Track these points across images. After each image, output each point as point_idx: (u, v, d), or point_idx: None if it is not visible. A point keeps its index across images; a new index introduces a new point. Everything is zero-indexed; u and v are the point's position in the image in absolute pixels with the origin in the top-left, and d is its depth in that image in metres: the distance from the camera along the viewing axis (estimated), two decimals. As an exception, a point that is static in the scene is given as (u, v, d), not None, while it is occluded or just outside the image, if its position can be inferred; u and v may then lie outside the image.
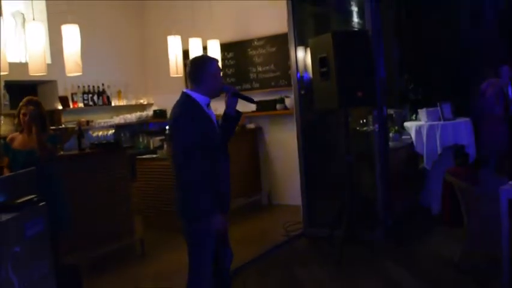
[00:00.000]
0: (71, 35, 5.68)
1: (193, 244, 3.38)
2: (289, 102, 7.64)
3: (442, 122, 6.51)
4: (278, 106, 7.83)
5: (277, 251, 5.83)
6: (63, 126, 7.39)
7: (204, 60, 3.50)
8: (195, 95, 3.34)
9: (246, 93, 7.65)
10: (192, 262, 3.40)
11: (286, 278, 5.07)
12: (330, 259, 5.40)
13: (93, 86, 8.18)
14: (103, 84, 8.32)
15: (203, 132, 3.26)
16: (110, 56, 8.61)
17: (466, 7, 7.58)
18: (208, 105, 3.39)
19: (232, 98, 3.48)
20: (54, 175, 4.55)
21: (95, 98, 8.19)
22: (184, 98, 3.38)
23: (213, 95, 3.41)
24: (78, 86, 8.00)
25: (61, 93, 7.82)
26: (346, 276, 4.95)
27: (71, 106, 7.88)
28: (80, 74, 5.83)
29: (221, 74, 3.52)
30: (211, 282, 3.44)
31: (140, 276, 5.31)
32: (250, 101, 3.66)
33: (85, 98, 8.08)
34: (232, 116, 3.51)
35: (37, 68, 5.36)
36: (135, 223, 6.25)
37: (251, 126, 8.06)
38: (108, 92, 8.42)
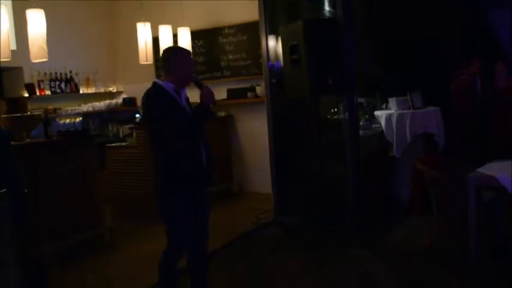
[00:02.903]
0: (36, 20, 5.56)
1: (165, 220, 3.70)
2: (260, 90, 7.61)
3: (411, 111, 6.55)
4: (249, 94, 7.80)
5: (247, 239, 5.82)
6: (29, 113, 7.23)
7: (172, 50, 3.81)
8: (163, 83, 3.65)
9: (217, 81, 7.61)
10: (168, 238, 3.74)
11: (255, 266, 5.07)
12: (300, 247, 5.42)
13: (61, 73, 8.03)
14: (71, 72, 8.18)
15: (169, 115, 3.52)
16: (78, 42, 8.45)
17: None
18: (177, 91, 3.67)
19: (201, 88, 3.69)
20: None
21: (63, 85, 8.04)
22: (152, 87, 3.68)
23: (181, 83, 3.69)
24: (45, 73, 7.84)
25: (27, 80, 7.65)
26: (316, 264, 4.96)
27: (38, 93, 7.72)
28: (46, 60, 5.72)
29: (190, 64, 3.75)
30: (182, 255, 3.78)
31: (109, 266, 5.25)
32: (198, 85, 3.75)
33: (52, 85, 7.93)
34: (200, 105, 3.67)
35: (0, 54, 5.21)
36: (104, 212, 6.16)
37: (222, 114, 8.01)
38: (76, 80, 8.28)
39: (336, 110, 6.23)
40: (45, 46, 5.53)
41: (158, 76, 8.67)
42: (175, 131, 3.53)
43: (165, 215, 3.69)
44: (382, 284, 4.48)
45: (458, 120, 6.79)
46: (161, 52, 3.81)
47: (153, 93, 3.64)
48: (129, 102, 8.77)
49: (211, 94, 3.67)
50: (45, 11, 5.71)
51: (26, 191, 4.11)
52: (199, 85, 3.72)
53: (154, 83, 3.69)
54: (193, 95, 3.95)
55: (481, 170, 4.52)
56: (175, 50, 3.87)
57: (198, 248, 3.89)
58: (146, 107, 3.69)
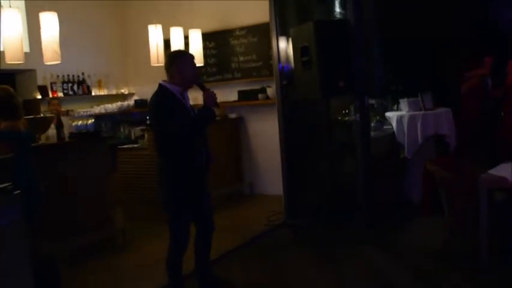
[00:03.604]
0: (49, 23, 5.61)
1: (169, 214, 3.94)
2: (270, 92, 7.62)
3: (422, 112, 6.54)
4: (260, 96, 7.82)
5: (259, 240, 5.83)
6: (41, 115, 7.28)
7: (176, 55, 4.07)
8: (167, 85, 3.86)
9: (228, 83, 7.66)
10: (170, 230, 3.97)
11: (268, 266, 5.08)
12: (312, 248, 5.42)
13: (73, 76, 8.10)
14: (83, 74, 8.24)
15: (175, 117, 3.74)
16: (90, 45, 8.52)
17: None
18: (182, 93, 3.88)
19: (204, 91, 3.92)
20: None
21: (75, 87, 8.11)
22: (158, 89, 3.89)
23: (185, 85, 3.90)
24: (58, 76, 7.92)
25: (40, 82, 7.72)
26: (327, 264, 4.97)
27: (50, 95, 7.78)
28: (59, 62, 5.77)
29: (194, 68, 3.96)
30: (186, 248, 4.01)
31: (120, 267, 5.27)
32: (202, 88, 3.97)
33: (65, 87, 8.00)
34: (204, 107, 3.90)
35: (14, 56, 5.27)
36: (115, 213, 6.20)
37: (232, 116, 8.04)
38: (89, 82, 8.35)
39: (347, 111, 6.23)
40: (58, 49, 5.59)
41: (169, 78, 8.76)
42: (180, 132, 3.76)
43: (167, 209, 3.94)
44: (392, 283, 4.48)
45: (469, 122, 6.76)
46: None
47: (160, 96, 3.84)
48: (141, 104, 8.81)
49: (214, 97, 3.88)
50: (57, 14, 5.76)
51: (43, 190, 4.17)
52: (202, 88, 3.93)
53: (161, 86, 3.87)
54: (197, 97, 4.00)
55: (493, 171, 4.50)
56: (179, 54, 4.11)
57: (206, 232, 4.18)
58: (153, 109, 3.86)
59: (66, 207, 5.33)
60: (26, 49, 6.49)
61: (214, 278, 4.39)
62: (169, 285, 4.12)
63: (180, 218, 3.95)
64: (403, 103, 6.75)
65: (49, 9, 5.71)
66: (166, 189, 3.94)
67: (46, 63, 5.84)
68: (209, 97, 3.87)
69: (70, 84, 8.05)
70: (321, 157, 5.88)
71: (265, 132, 7.81)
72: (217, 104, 3.95)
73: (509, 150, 6.27)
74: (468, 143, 6.63)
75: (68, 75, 8.03)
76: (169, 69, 3.89)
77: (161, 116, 3.79)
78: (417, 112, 6.54)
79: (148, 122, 7.33)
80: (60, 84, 7.94)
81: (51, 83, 7.83)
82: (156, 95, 3.86)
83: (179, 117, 3.75)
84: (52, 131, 5.53)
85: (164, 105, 3.78)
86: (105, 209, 5.93)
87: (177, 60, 3.90)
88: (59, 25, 5.76)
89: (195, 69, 3.98)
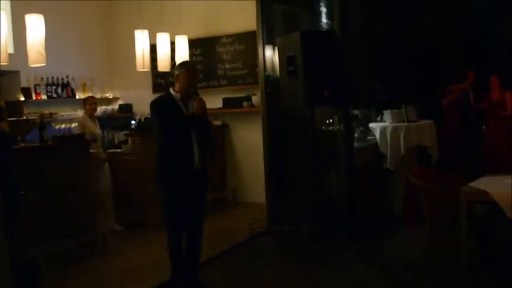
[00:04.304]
0: (35, 25, 5.58)
1: (164, 206, 4.35)
2: (255, 100, 7.64)
3: (406, 124, 6.60)
4: (245, 104, 7.83)
5: (240, 248, 5.82)
6: (24, 117, 7.23)
7: (178, 65, 4.45)
8: (171, 91, 4.31)
9: (213, 90, 7.66)
10: (166, 221, 4.37)
11: (249, 274, 5.06)
12: (294, 256, 5.43)
13: (57, 78, 8.03)
14: (67, 77, 8.18)
15: (168, 116, 4.19)
16: (76, 48, 8.47)
17: (435, 11, 7.70)
18: (184, 101, 4.28)
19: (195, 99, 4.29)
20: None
21: (59, 90, 8.04)
22: (164, 94, 4.42)
23: (185, 93, 4.26)
24: (42, 78, 7.85)
25: (24, 84, 7.64)
26: (309, 273, 4.96)
27: (34, 98, 7.72)
28: (44, 64, 5.74)
29: (191, 78, 4.29)
30: (181, 241, 4.36)
31: (100, 272, 5.23)
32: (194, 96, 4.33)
33: (48, 90, 7.92)
34: (192, 113, 4.29)
35: (-1, 58, 5.23)
36: (97, 218, 6.15)
37: (217, 123, 8.03)
38: (73, 85, 8.28)
39: (331, 121, 6.27)
40: (43, 51, 5.55)
41: (154, 83, 8.76)
42: (171, 131, 4.21)
43: (162, 201, 4.35)
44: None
45: (451, 134, 6.85)
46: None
47: (161, 99, 4.36)
48: (125, 108, 8.78)
49: (202, 105, 4.22)
50: (43, 16, 5.73)
51: (22, 192, 4.11)
52: (194, 96, 4.26)
53: (167, 91, 4.37)
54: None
55: (474, 184, 4.56)
56: (180, 65, 4.46)
57: (193, 234, 4.45)
58: (150, 107, 4.31)
59: (47, 211, 5.28)
60: (10, 50, 6.44)
61: (198, 281, 4.51)
62: (171, 272, 4.43)
63: (170, 210, 4.33)
64: (387, 114, 6.81)
65: (35, 11, 5.67)
66: (158, 183, 4.40)
67: (31, 65, 5.80)
68: (197, 104, 4.22)
69: (54, 87, 7.97)
70: (305, 166, 5.90)
71: (249, 139, 7.82)
72: (205, 112, 4.26)
73: (492, 163, 6.37)
74: (450, 156, 6.72)
75: (52, 78, 7.96)
76: (175, 79, 4.33)
77: (152, 113, 4.34)
78: (400, 123, 6.60)
79: (132, 126, 7.33)
80: (44, 87, 7.87)
81: (35, 85, 7.75)
82: (158, 97, 4.42)
83: (172, 119, 4.19)
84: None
85: (156, 104, 4.28)
86: (86, 213, 5.87)
87: (177, 70, 4.32)
88: (45, 27, 5.73)
89: (192, 79, 4.31)
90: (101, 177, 6.50)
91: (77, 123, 6.90)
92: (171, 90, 4.33)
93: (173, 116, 4.21)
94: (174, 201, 4.29)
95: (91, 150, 6.16)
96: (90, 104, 6.73)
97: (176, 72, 4.33)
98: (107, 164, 6.67)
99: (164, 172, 4.32)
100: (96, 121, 6.86)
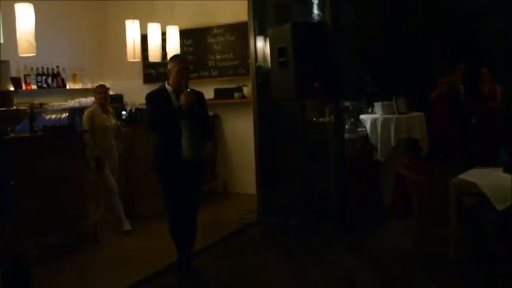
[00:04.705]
0: (25, 14, 5.54)
1: (162, 189, 4.48)
2: (247, 91, 7.64)
3: (396, 116, 6.63)
4: (236, 95, 7.83)
5: (231, 238, 5.85)
6: (14, 108, 7.18)
7: (171, 59, 4.57)
8: (166, 85, 4.47)
9: (204, 81, 7.65)
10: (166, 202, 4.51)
11: (239, 264, 5.10)
12: (283, 247, 5.46)
13: (48, 68, 7.99)
14: (58, 67, 8.13)
15: (158, 108, 4.36)
16: (66, 38, 8.41)
17: (426, 3, 7.72)
18: (175, 91, 4.39)
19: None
20: None
21: (49, 80, 8.00)
22: (158, 87, 4.54)
23: (176, 86, 4.39)
24: (32, 68, 7.80)
25: (14, 74, 7.59)
26: (298, 264, 5.01)
27: (24, 88, 7.67)
28: (34, 54, 5.70)
29: (181, 71, 4.38)
30: (179, 220, 4.48)
31: (91, 263, 5.23)
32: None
33: (39, 80, 7.88)
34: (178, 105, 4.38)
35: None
36: (88, 208, 6.14)
37: (209, 113, 8.00)
38: (63, 75, 8.23)
39: (322, 112, 6.28)
40: (33, 41, 5.52)
41: (145, 74, 8.74)
42: (154, 121, 4.39)
43: (161, 185, 4.47)
44: (363, 284, 4.53)
45: (440, 127, 6.88)
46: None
47: (155, 92, 4.50)
48: (116, 99, 8.73)
49: (189, 97, 4.27)
50: (33, 5, 5.68)
51: (12, 183, 4.09)
52: (184, 89, 4.33)
53: (163, 84, 4.50)
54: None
55: (463, 176, 4.59)
56: (171, 58, 4.59)
57: (187, 222, 4.55)
58: (146, 101, 4.50)
59: (37, 202, 5.27)
60: (0, 40, 6.38)
61: (193, 269, 4.61)
62: (177, 252, 4.57)
63: (167, 193, 4.46)
64: (378, 106, 6.84)
65: (24, 0, 5.63)
66: (155, 170, 4.50)
67: (21, 55, 5.76)
68: (183, 97, 4.27)
69: (44, 77, 7.93)
70: (296, 157, 5.92)
71: (240, 130, 7.82)
72: (186, 102, 4.25)
73: (481, 155, 6.41)
74: (440, 148, 6.76)
75: (43, 68, 7.92)
76: (167, 71, 4.49)
77: (147, 106, 4.53)
78: (391, 115, 6.63)
79: (123, 117, 7.29)
80: (34, 77, 7.83)
81: (25, 75, 7.71)
82: (151, 90, 4.56)
83: (155, 108, 4.37)
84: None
85: (149, 96, 4.46)
86: (77, 203, 5.87)
87: (170, 63, 4.47)
88: (35, 17, 5.69)
89: (183, 72, 4.39)
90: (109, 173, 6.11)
91: (84, 117, 6.13)
92: (165, 83, 4.48)
93: (162, 109, 4.36)
94: (170, 190, 4.43)
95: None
96: (99, 92, 6.13)
97: (168, 65, 4.46)
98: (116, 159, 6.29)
99: (157, 161, 4.47)
100: (110, 110, 6.28)
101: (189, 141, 4.36)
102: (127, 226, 6.13)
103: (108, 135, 6.12)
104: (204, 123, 4.61)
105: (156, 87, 4.58)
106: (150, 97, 4.45)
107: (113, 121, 6.26)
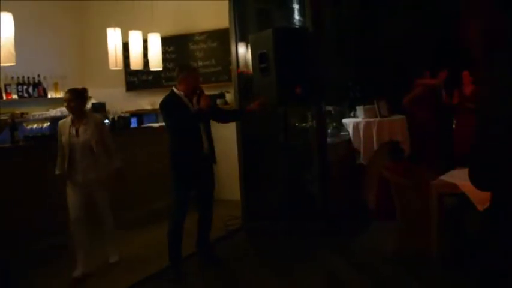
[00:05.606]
0: (4, 23, 5.49)
1: (175, 187, 4.86)
2: (229, 97, 7.65)
3: (378, 119, 6.68)
4: (218, 101, 7.82)
5: (215, 245, 5.82)
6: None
7: (180, 67, 5.08)
8: (175, 89, 4.89)
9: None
10: (173, 197, 4.89)
11: (224, 271, 5.10)
12: (268, 253, 5.47)
13: (28, 77, 7.94)
14: (39, 76, 8.09)
15: (173, 113, 4.80)
16: (47, 46, 8.38)
17: (410, 8, 7.77)
18: (189, 97, 4.83)
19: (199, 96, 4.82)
20: None
21: (30, 89, 7.95)
22: (169, 93, 4.93)
23: (187, 92, 4.82)
24: (12, 77, 7.74)
25: (-7, 83, 7.53)
26: (284, 269, 5.01)
27: (4, 97, 7.61)
28: (13, 64, 5.65)
29: (194, 80, 4.88)
30: (182, 218, 4.88)
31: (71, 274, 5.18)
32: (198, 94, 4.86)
33: (19, 89, 7.82)
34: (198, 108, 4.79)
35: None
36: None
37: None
38: (45, 84, 8.19)
39: (304, 117, 6.31)
40: (13, 50, 5.48)
41: (128, 82, 8.73)
42: (178, 125, 4.79)
43: (173, 185, 4.85)
44: (349, 286, 4.55)
45: (420, 129, 6.94)
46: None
47: (166, 97, 4.88)
48: (99, 107, 8.68)
49: (208, 100, 4.74)
50: (13, 14, 5.65)
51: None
52: (198, 93, 4.78)
53: (171, 90, 4.93)
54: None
55: (444, 177, 4.64)
56: (184, 68, 5.04)
57: (205, 211, 5.18)
58: (160, 107, 4.88)
59: (18, 212, 5.22)
60: (-20, 50, 6.34)
61: (213, 256, 5.23)
62: (170, 255, 4.88)
63: (178, 195, 4.85)
64: (359, 110, 6.88)
65: (4, 9, 5.59)
66: (171, 170, 4.85)
67: (0, 65, 5.71)
68: (203, 100, 4.71)
69: (25, 86, 7.88)
70: (279, 162, 5.94)
71: (223, 137, 7.75)
72: (209, 106, 4.73)
73: (462, 156, 6.46)
74: (421, 150, 6.81)
75: (23, 77, 7.87)
76: (177, 78, 4.88)
77: (164, 112, 4.88)
78: (373, 119, 6.68)
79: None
80: (15, 86, 7.77)
81: (6, 85, 7.65)
82: (165, 96, 4.89)
83: (178, 114, 4.77)
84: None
85: (166, 104, 4.82)
86: (59, 214, 5.80)
87: (181, 73, 4.87)
88: (15, 26, 5.66)
89: (197, 80, 4.95)
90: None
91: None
92: (174, 89, 4.89)
93: (182, 114, 4.78)
94: (183, 188, 4.82)
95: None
96: (64, 101, 5.20)
97: (180, 75, 4.85)
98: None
99: (178, 160, 4.83)
100: (96, 119, 5.14)
101: (207, 138, 4.92)
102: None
103: (77, 155, 4.92)
104: (226, 112, 5.67)
105: (165, 95, 4.92)
106: (167, 105, 4.82)
107: (88, 136, 4.95)
